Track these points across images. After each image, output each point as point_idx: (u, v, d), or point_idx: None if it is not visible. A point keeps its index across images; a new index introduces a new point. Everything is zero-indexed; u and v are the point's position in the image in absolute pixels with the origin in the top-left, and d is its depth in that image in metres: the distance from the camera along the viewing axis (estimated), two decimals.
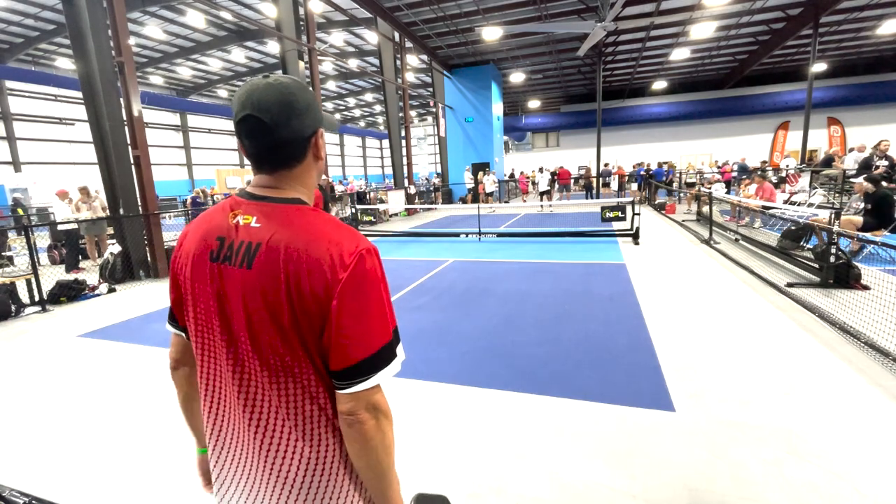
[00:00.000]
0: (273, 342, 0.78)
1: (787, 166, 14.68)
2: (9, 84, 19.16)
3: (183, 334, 0.98)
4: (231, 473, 0.88)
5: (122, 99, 7.12)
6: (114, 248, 7.28)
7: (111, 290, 6.61)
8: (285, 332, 0.77)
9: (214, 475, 0.92)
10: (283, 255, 0.77)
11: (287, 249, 0.77)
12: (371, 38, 18.99)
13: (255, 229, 0.81)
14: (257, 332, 0.79)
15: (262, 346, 0.79)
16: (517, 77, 22.81)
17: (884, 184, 6.80)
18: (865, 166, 8.97)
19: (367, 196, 17.64)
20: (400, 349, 0.83)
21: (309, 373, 0.80)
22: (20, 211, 12.78)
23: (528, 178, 24.33)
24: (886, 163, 9.24)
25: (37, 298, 5.87)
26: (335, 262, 0.76)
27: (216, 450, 0.90)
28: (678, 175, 17.97)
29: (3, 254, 9.32)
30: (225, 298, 0.82)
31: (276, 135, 0.80)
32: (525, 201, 19.76)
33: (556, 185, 18.44)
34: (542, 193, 16.60)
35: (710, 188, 12.04)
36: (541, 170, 18.40)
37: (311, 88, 0.83)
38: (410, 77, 23.49)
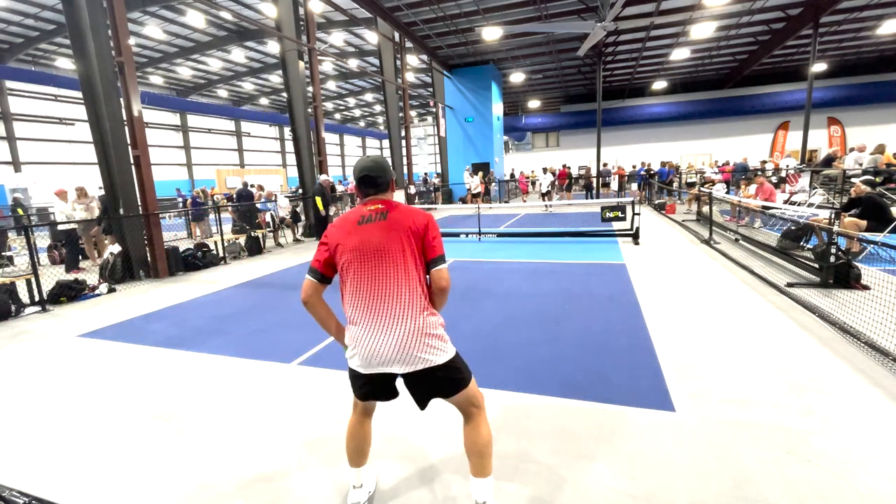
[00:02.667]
0: (401, 250, 1.72)
1: (787, 166, 14.67)
2: (9, 84, 19.16)
3: (316, 279, 1.80)
4: (375, 325, 1.70)
5: (122, 99, 7.12)
6: (114, 248, 7.28)
7: (111, 290, 6.61)
8: (406, 246, 1.73)
9: (356, 331, 1.74)
10: (401, 215, 1.77)
11: (401, 213, 1.78)
12: (371, 38, 18.99)
13: (381, 208, 1.79)
14: (391, 249, 1.72)
15: (395, 256, 1.72)
16: (517, 77, 22.81)
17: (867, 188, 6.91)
18: None
19: None
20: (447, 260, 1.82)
21: (417, 265, 1.75)
22: (20, 211, 12.78)
23: (527, 178, 24.33)
24: None
25: (37, 298, 5.87)
26: (422, 218, 1.78)
27: (360, 315, 1.74)
28: (679, 175, 17.94)
29: (3, 254, 9.32)
30: (370, 238, 1.73)
31: (378, 180, 1.83)
32: (525, 201, 19.76)
33: (556, 186, 18.44)
34: (543, 194, 16.63)
35: (711, 189, 12.03)
36: (544, 170, 18.38)
37: (388, 159, 2.08)
38: (410, 77, 23.48)
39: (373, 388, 1.79)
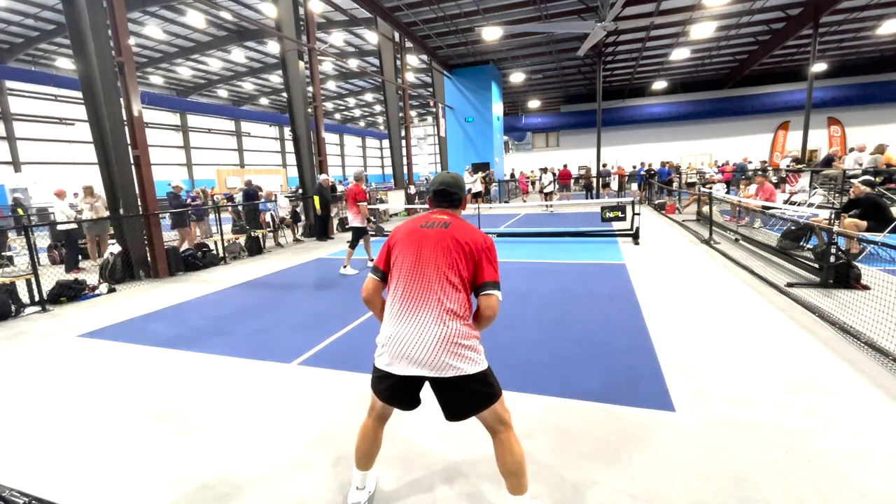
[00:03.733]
0: (449, 263, 1.73)
1: (788, 165, 14.67)
2: (9, 84, 19.16)
3: (378, 277, 1.87)
4: (409, 326, 1.69)
5: (122, 99, 7.12)
6: (114, 248, 7.28)
7: (111, 290, 6.61)
8: (457, 258, 1.73)
9: (389, 329, 1.73)
10: (462, 229, 1.80)
11: (463, 228, 1.81)
12: (371, 38, 18.99)
13: (445, 219, 1.84)
14: (441, 258, 1.73)
15: (442, 265, 1.73)
16: (517, 77, 22.80)
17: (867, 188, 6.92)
18: None
19: (367, 196, 17.60)
20: (500, 293, 1.77)
21: (464, 279, 1.74)
22: (20, 211, 12.77)
23: (527, 178, 24.32)
24: None
25: (37, 298, 5.87)
26: (481, 239, 1.79)
27: (398, 310, 1.74)
28: (679, 175, 17.91)
29: (3, 254, 9.32)
30: (425, 243, 1.77)
31: (453, 196, 1.94)
32: (525, 201, 19.76)
33: (557, 186, 18.45)
34: (546, 194, 16.57)
35: (711, 189, 12.03)
36: (544, 170, 18.34)
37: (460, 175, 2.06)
38: (410, 77, 23.48)
39: (396, 391, 1.77)
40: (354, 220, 7.10)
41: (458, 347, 1.66)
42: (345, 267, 7.06)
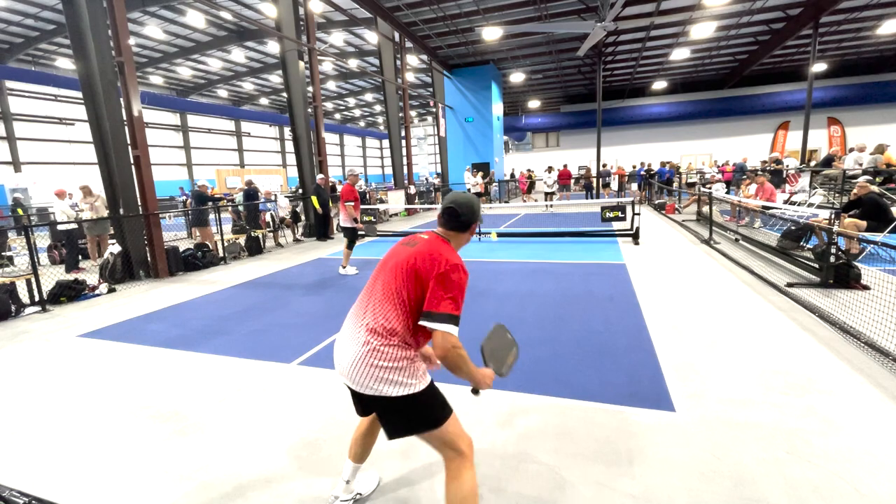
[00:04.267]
0: (394, 282, 1.64)
1: (787, 166, 14.65)
2: (9, 84, 19.14)
3: None
4: (344, 336, 1.72)
5: (122, 99, 7.12)
6: (114, 248, 7.28)
7: (111, 290, 6.61)
8: (404, 278, 1.62)
9: (337, 338, 1.76)
10: (422, 251, 1.66)
11: (424, 249, 1.66)
12: (371, 38, 18.98)
13: (423, 238, 1.75)
14: (391, 276, 1.66)
15: (389, 283, 1.65)
16: (517, 77, 22.80)
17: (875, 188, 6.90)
18: None
19: (367, 196, 17.63)
20: (454, 328, 1.57)
21: (410, 301, 1.61)
22: (20, 211, 12.77)
23: (527, 178, 24.33)
24: None
25: (37, 298, 5.87)
26: (434, 265, 1.61)
27: (344, 326, 1.76)
28: (679, 175, 17.88)
29: (3, 254, 9.32)
30: (390, 259, 1.74)
31: (460, 218, 1.77)
32: (525, 201, 19.76)
33: (557, 185, 18.45)
34: (548, 194, 16.53)
35: (710, 189, 12.02)
36: (549, 169, 18.27)
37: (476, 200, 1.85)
38: (410, 77, 23.48)
39: (350, 392, 1.76)
40: (345, 221, 7.06)
41: (375, 369, 1.57)
42: (343, 268, 7.04)
